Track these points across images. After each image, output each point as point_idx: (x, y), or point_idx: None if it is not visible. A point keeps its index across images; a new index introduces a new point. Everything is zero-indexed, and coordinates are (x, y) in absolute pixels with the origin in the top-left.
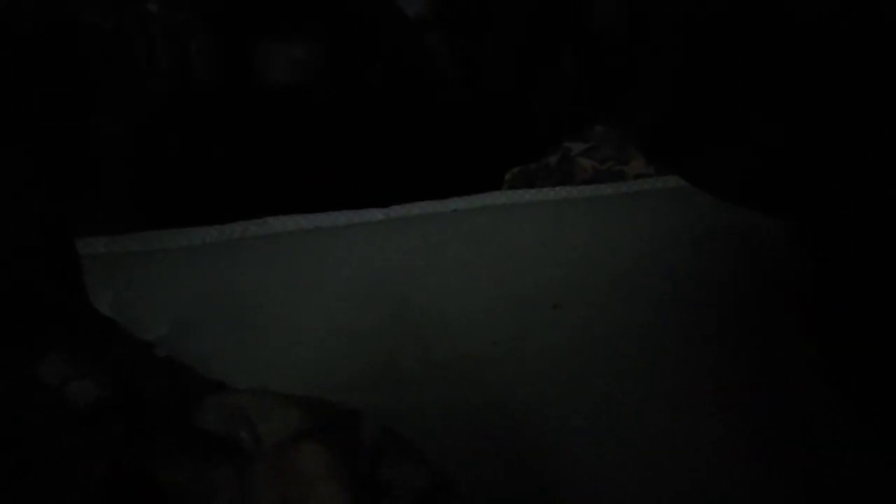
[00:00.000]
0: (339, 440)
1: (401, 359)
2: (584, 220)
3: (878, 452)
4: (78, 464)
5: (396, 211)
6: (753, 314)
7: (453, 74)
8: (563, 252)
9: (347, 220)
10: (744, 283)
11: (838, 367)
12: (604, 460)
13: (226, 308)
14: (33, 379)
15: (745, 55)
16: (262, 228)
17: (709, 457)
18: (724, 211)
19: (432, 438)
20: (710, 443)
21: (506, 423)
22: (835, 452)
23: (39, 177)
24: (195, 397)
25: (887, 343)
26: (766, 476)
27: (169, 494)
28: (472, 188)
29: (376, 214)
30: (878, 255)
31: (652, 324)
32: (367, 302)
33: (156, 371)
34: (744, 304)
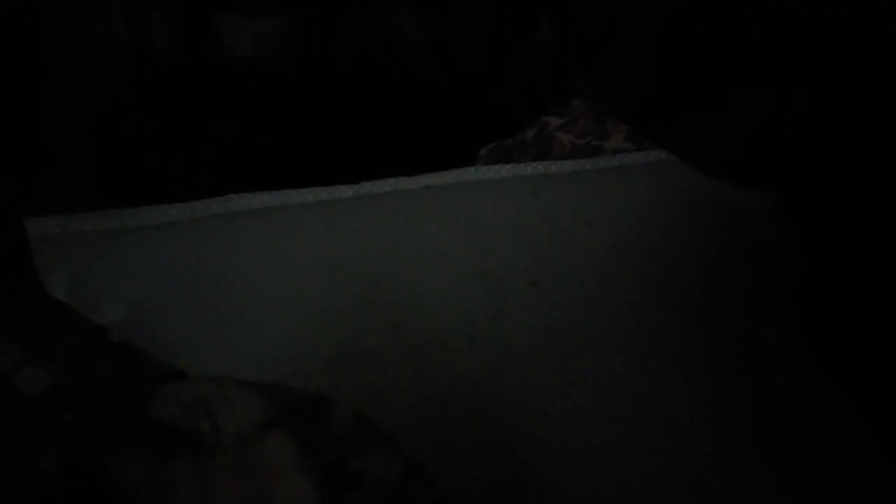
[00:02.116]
0: (306, 430)
1: (371, 340)
2: (561, 196)
3: (861, 432)
4: (28, 454)
5: (366, 188)
6: (734, 290)
7: (423, 51)
8: (540, 229)
9: (315, 198)
10: (724, 259)
11: (821, 344)
12: (582, 440)
13: (186, 290)
14: None
15: (725, 21)
16: (226, 206)
17: (688, 433)
18: (703, 186)
19: (405, 421)
20: (690, 420)
21: (480, 405)
22: (814, 428)
23: None
24: (151, 386)
25: (871, 320)
26: (746, 453)
27: (120, 492)
28: (446, 165)
29: (345, 191)
30: (861, 229)
31: (631, 301)
32: (336, 282)
33: (110, 358)
34: (724, 279)
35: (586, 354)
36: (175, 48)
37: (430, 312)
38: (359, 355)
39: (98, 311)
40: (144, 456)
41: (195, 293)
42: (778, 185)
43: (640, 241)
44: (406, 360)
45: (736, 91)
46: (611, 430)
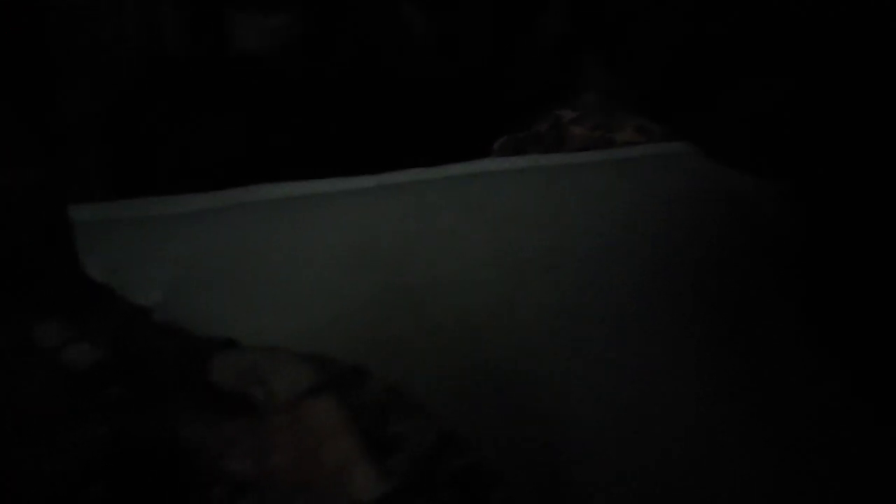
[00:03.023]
0: (349, 396)
1: (395, 323)
2: (576, 186)
3: (872, 418)
4: (77, 426)
5: (388, 178)
6: (745, 276)
7: (429, 43)
8: (555, 217)
9: (338, 187)
10: (734, 246)
11: (832, 328)
12: (599, 417)
13: (219, 275)
14: (29, 343)
15: (738, 11)
16: (254, 195)
17: (702, 413)
18: (716, 177)
19: (430, 399)
20: (703, 399)
21: (502, 382)
22: (824, 417)
23: (32, 143)
24: (208, 354)
25: (882, 304)
26: (756, 432)
27: (187, 449)
28: (461, 157)
29: (368, 181)
30: (870, 216)
31: (644, 285)
32: (361, 267)
33: (156, 334)
34: (735, 266)
35: (601, 335)
36: (186, 44)
37: (452, 296)
38: (384, 337)
39: (136, 295)
40: (206, 417)
41: (226, 278)
42: (788, 172)
43: (652, 229)
44: (430, 341)
45: (747, 80)
46: (628, 406)
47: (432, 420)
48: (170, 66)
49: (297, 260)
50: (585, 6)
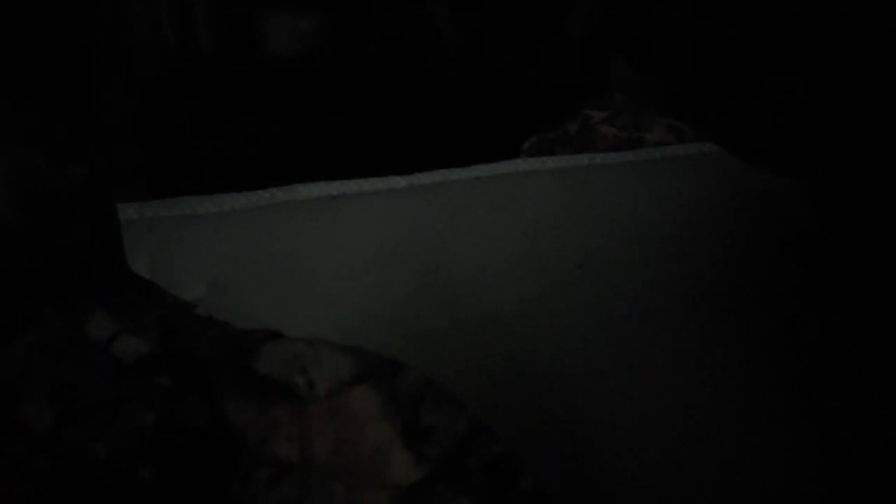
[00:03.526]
0: (386, 386)
1: (428, 319)
2: (606, 186)
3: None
4: (127, 414)
5: (419, 178)
6: (773, 276)
7: (456, 45)
8: (586, 216)
9: (371, 187)
10: (763, 246)
11: (860, 335)
12: (625, 412)
13: (258, 272)
14: (81, 336)
15: (762, 11)
16: (291, 195)
17: (732, 412)
18: (746, 177)
19: (462, 392)
20: (733, 397)
21: (533, 377)
22: (854, 417)
23: (77, 142)
24: (253, 345)
25: None
26: (786, 433)
27: (235, 433)
28: (488, 159)
29: (399, 181)
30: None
31: (672, 283)
32: (393, 265)
33: (200, 327)
34: (764, 265)
35: (629, 334)
36: (218, 45)
37: (484, 293)
38: (417, 333)
39: (179, 290)
40: (251, 403)
41: (264, 275)
42: (813, 172)
43: (681, 229)
44: (462, 337)
45: (771, 80)
46: (653, 403)
47: (464, 410)
48: (203, 67)
49: (332, 258)
50: (612, 6)
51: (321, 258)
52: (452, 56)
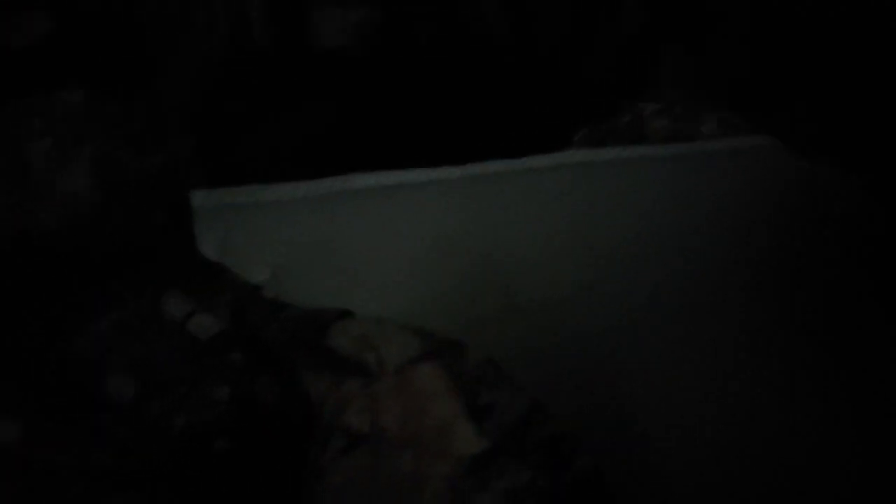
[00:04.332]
0: (449, 364)
1: (484, 305)
2: (658, 178)
3: None
4: (204, 388)
5: (472, 169)
6: (825, 269)
7: (506, 36)
8: (637, 208)
9: (426, 177)
10: (816, 242)
11: None
12: (674, 395)
13: (320, 257)
14: (159, 314)
15: (816, 11)
16: (347, 184)
17: (782, 396)
18: (798, 171)
19: (518, 376)
20: (782, 383)
21: (582, 360)
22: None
23: (159, 133)
24: (325, 323)
25: None
26: (839, 428)
27: (311, 403)
28: (539, 152)
29: (453, 172)
30: None
31: (721, 275)
32: (449, 252)
33: (268, 308)
34: (815, 261)
35: (678, 321)
36: (272, 38)
37: (537, 280)
38: (474, 319)
39: (245, 274)
40: (325, 377)
41: (324, 261)
42: (868, 166)
43: (734, 221)
44: (516, 322)
45: (822, 77)
46: (709, 386)
47: (523, 391)
48: (257, 59)
49: (389, 245)
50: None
51: (379, 245)
52: (502, 47)
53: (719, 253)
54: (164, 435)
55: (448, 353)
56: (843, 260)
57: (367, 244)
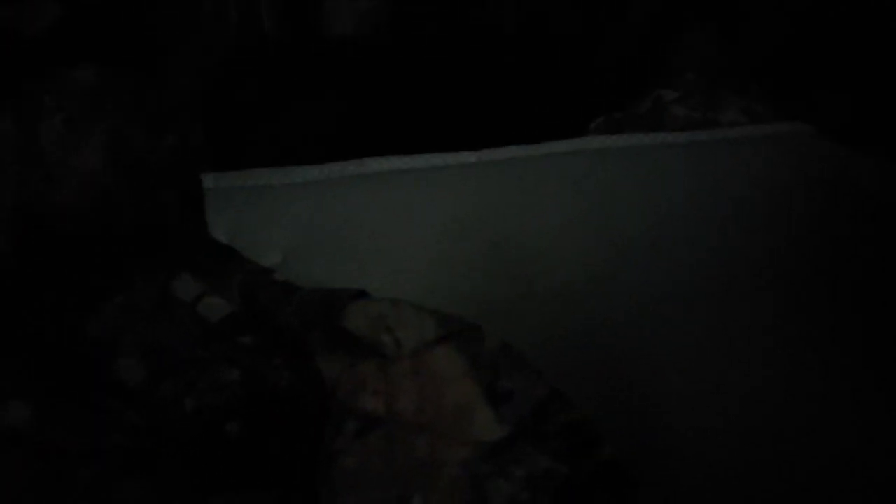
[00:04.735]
0: (467, 348)
1: (499, 292)
2: (677, 165)
3: None
4: (214, 370)
5: (488, 154)
6: (849, 256)
7: (518, 22)
8: (656, 195)
9: (441, 162)
10: (838, 227)
11: None
12: (692, 386)
13: (332, 240)
14: (169, 296)
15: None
16: (360, 168)
17: (801, 385)
18: (822, 157)
19: (534, 363)
20: (803, 372)
21: (599, 349)
22: None
23: (174, 114)
24: (341, 303)
25: None
26: (868, 425)
27: (325, 385)
28: (553, 138)
29: (469, 157)
30: None
31: (743, 260)
32: (464, 238)
33: (279, 291)
34: (838, 247)
35: (696, 310)
36: (282, 27)
37: (554, 268)
38: (489, 306)
39: (256, 257)
40: (340, 359)
41: (339, 244)
42: None
43: (756, 209)
44: (530, 309)
45: (865, 57)
46: (728, 375)
47: (542, 377)
48: (267, 47)
49: (404, 229)
50: None
51: (391, 229)
52: (513, 34)
53: (740, 242)
54: (175, 418)
55: (466, 337)
56: (871, 251)
57: (381, 228)
